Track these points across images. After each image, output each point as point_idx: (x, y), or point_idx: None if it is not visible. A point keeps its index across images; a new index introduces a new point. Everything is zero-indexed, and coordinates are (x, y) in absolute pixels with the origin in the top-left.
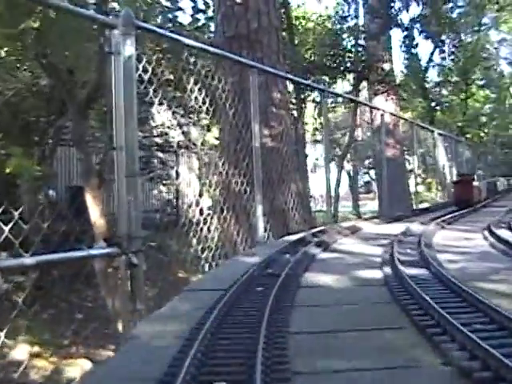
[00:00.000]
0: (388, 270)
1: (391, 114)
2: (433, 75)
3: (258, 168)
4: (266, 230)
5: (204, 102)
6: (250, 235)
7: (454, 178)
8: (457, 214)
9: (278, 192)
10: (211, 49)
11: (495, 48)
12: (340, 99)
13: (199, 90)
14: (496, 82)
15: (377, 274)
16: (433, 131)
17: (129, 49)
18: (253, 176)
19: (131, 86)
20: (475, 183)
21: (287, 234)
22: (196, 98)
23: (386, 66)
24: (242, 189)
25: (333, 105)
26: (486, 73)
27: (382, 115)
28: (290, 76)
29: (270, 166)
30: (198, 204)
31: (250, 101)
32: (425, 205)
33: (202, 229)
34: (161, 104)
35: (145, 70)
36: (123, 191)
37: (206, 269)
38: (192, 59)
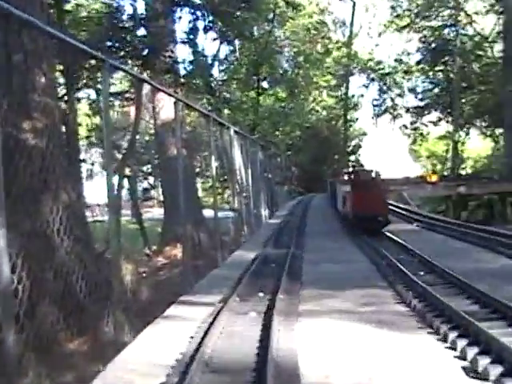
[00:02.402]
0: None
1: (187, 104)
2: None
3: None
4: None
5: None
6: None
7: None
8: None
9: (40, 205)
10: None
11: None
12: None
13: None
14: (285, 79)
15: None
16: (229, 128)
17: None
18: None
19: None
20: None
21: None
22: None
23: (173, 55)
24: None
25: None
26: (275, 69)
27: (175, 103)
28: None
29: (28, 169)
30: None
31: None
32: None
33: None
34: None
35: None
36: None
37: None
38: None
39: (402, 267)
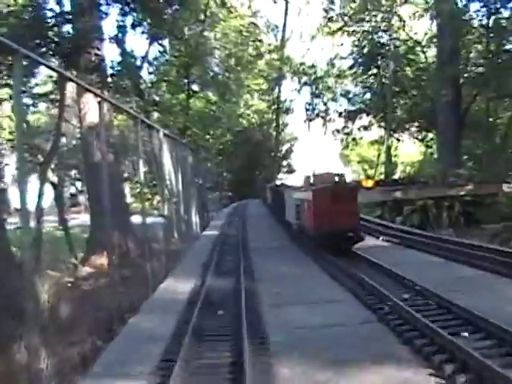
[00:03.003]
0: None
1: (112, 103)
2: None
3: None
4: None
5: None
6: None
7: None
8: None
9: None
10: None
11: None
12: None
13: None
14: (216, 82)
15: None
16: (158, 130)
17: None
18: None
19: None
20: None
21: None
22: None
23: (99, 53)
24: None
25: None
26: (206, 71)
27: (99, 102)
28: None
29: None
30: None
31: None
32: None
33: None
34: None
35: None
36: None
37: None
38: None
39: (426, 322)
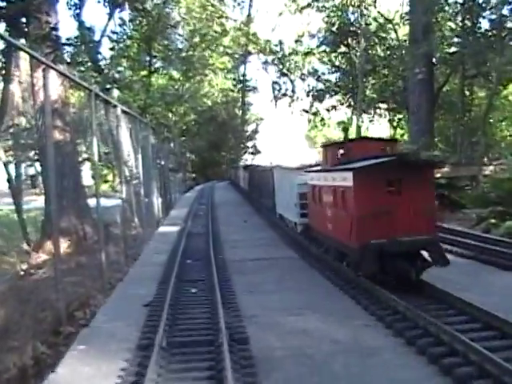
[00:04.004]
0: None
1: (61, 73)
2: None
3: None
4: None
5: None
6: None
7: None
8: None
9: None
10: None
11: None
12: None
13: None
14: (180, 57)
15: None
16: (116, 106)
17: None
18: None
19: None
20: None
21: None
22: None
23: (52, 20)
24: None
25: None
26: (169, 46)
27: (44, 70)
28: None
29: None
30: None
31: None
32: None
33: None
34: None
35: None
36: None
37: None
38: None
39: None
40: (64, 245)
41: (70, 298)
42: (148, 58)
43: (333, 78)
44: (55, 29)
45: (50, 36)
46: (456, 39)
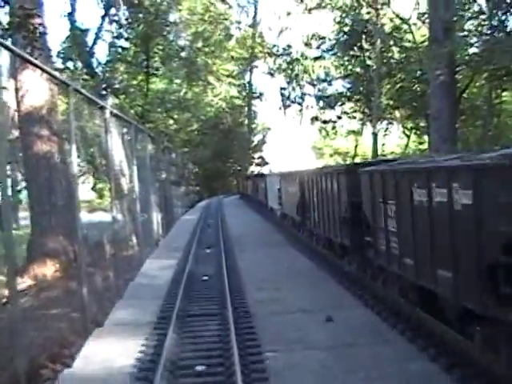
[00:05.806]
0: None
1: (42, 70)
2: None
3: None
4: None
5: None
6: None
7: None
8: None
9: None
10: None
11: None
12: None
13: None
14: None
15: None
16: (103, 108)
17: None
18: None
19: None
20: None
21: None
22: None
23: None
24: None
25: None
26: (168, 46)
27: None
28: None
29: None
30: None
31: None
32: None
33: None
34: None
35: None
36: None
37: None
38: None
39: None
40: (51, 268)
41: (39, 346)
42: (146, 60)
43: (345, 83)
44: (31, 16)
45: (25, 25)
46: (478, 38)
